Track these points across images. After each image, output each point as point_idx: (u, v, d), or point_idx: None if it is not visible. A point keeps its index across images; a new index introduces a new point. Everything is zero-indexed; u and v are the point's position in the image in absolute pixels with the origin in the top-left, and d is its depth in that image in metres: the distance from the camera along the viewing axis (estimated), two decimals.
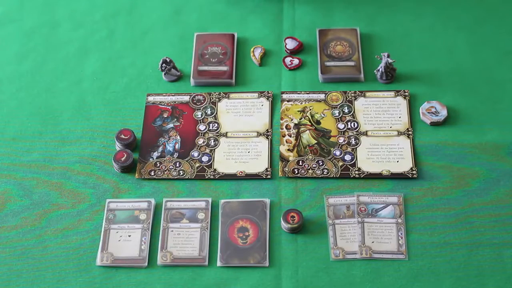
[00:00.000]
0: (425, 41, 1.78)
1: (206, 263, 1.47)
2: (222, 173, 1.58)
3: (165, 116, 1.68)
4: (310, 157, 1.59)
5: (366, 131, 1.63)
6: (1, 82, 1.76)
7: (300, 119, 1.66)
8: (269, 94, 1.70)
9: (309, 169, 1.58)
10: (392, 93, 1.68)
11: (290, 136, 1.63)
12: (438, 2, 1.85)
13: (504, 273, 1.43)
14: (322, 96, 1.69)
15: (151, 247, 1.49)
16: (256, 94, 1.70)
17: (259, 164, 1.59)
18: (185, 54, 1.78)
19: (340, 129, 1.64)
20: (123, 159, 1.58)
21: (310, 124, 1.65)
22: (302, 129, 1.64)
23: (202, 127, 1.66)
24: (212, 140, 1.63)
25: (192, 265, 1.47)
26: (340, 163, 1.58)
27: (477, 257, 1.45)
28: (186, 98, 1.71)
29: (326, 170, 1.57)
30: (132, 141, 1.62)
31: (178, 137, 1.64)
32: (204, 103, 1.69)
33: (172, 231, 1.51)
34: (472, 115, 1.65)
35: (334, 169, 1.57)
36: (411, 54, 1.75)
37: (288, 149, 1.61)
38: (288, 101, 1.69)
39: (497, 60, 1.73)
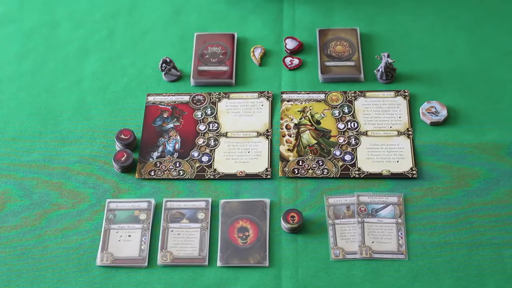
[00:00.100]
0: (425, 41, 1.78)
1: (206, 263, 1.47)
2: (222, 173, 1.58)
3: (165, 116, 1.68)
4: (310, 157, 1.59)
5: (366, 131, 1.63)
6: (1, 82, 1.76)
7: (300, 119, 1.66)
8: (269, 94, 1.70)
9: (309, 169, 1.58)
10: (392, 93, 1.68)
11: (290, 136, 1.63)
12: (438, 2, 1.85)
13: (504, 273, 1.43)
14: (322, 96, 1.69)
15: (151, 247, 1.49)
16: (256, 94, 1.70)
17: (259, 164, 1.59)
18: (185, 54, 1.78)
19: (340, 129, 1.64)
20: (123, 159, 1.58)
21: (310, 124, 1.65)
22: (302, 129, 1.64)
23: (202, 127, 1.66)
24: (212, 140, 1.63)
25: (192, 265, 1.47)
26: (340, 163, 1.58)
27: (477, 257, 1.45)
28: (186, 98, 1.71)
29: (326, 170, 1.57)
30: (132, 141, 1.62)
31: (178, 137, 1.64)
32: (204, 103, 1.69)
33: (172, 231, 1.51)
34: (472, 115, 1.65)
35: (334, 169, 1.57)
36: (411, 54, 1.75)
37: (288, 149, 1.61)
38: (288, 101, 1.69)
39: (497, 60, 1.73)
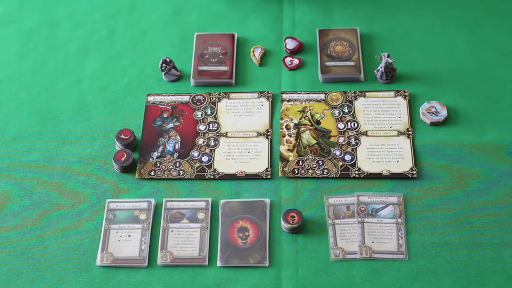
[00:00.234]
0: (425, 41, 1.78)
1: (206, 263, 1.47)
2: (222, 173, 1.58)
3: (165, 116, 1.68)
4: (310, 157, 1.59)
5: (366, 131, 1.63)
6: (1, 82, 1.76)
7: (300, 119, 1.66)
8: (269, 94, 1.70)
9: (309, 169, 1.58)
10: (392, 93, 1.68)
11: (290, 136, 1.63)
12: (438, 2, 1.85)
13: (504, 273, 1.43)
14: (322, 96, 1.69)
15: (151, 247, 1.49)
16: (256, 94, 1.70)
17: (259, 164, 1.59)
18: (185, 54, 1.78)
19: (340, 129, 1.64)
20: (123, 159, 1.58)
21: (310, 124, 1.65)
22: (302, 129, 1.64)
23: (202, 127, 1.66)
24: (212, 140, 1.63)
25: (192, 265, 1.47)
26: (340, 163, 1.58)
27: (477, 257, 1.45)
28: (186, 98, 1.71)
29: (326, 170, 1.57)
30: (132, 141, 1.62)
31: (178, 137, 1.64)
32: (204, 103, 1.69)
33: (172, 231, 1.51)
34: (472, 115, 1.65)
35: (334, 169, 1.57)
36: (411, 54, 1.75)
37: (288, 149, 1.61)
38: (288, 101, 1.69)
39: (497, 60, 1.73)
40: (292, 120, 1.66)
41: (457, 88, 1.69)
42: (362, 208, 1.51)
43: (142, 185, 1.58)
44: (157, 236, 1.50)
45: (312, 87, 1.71)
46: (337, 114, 1.66)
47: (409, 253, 1.46)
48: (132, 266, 1.47)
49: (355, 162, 1.58)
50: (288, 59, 1.76)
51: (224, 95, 1.70)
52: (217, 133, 1.65)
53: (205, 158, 1.60)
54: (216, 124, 1.66)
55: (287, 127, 1.65)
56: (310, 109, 1.67)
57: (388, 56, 1.66)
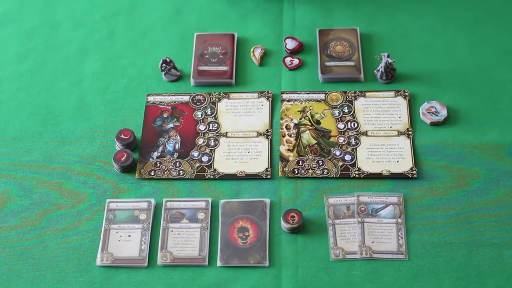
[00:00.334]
0: (425, 41, 1.78)
1: (206, 263, 1.47)
2: (222, 173, 1.58)
3: (165, 116, 1.68)
4: (310, 157, 1.59)
5: (366, 131, 1.63)
6: (1, 82, 1.76)
7: (300, 119, 1.66)
8: (269, 94, 1.70)
9: (309, 169, 1.58)
10: (392, 93, 1.68)
11: (290, 136, 1.63)
12: (438, 2, 1.85)
13: (504, 273, 1.43)
14: (322, 96, 1.69)
15: (151, 247, 1.49)
16: (256, 94, 1.70)
17: (259, 164, 1.59)
18: (185, 54, 1.78)
19: (340, 129, 1.64)
20: (123, 159, 1.58)
21: (310, 124, 1.65)
22: (302, 129, 1.64)
23: (202, 127, 1.66)
24: (212, 140, 1.63)
25: (192, 265, 1.47)
26: (340, 163, 1.58)
27: (477, 257, 1.45)
28: (186, 98, 1.71)
29: (326, 170, 1.57)
30: (132, 141, 1.62)
31: (178, 137, 1.64)
32: (204, 103, 1.69)
33: (172, 231, 1.51)
34: (472, 115, 1.65)
35: (334, 169, 1.57)
36: (411, 54, 1.75)
37: (288, 149, 1.61)
38: (288, 101, 1.69)
39: (497, 60, 1.73)
40: (292, 120, 1.66)
41: (457, 88, 1.69)
42: (362, 208, 1.51)
43: (142, 185, 1.58)
44: (157, 236, 1.50)
45: (312, 87, 1.71)
46: (337, 114, 1.66)
47: (409, 253, 1.46)
48: (132, 266, 1.47)
49: (355, 162, 1.58)
50: (288, 59, 1.76)
51: (224, 95, 1.70)
52: (217, 133, 1.65)
53: (205, 158, 1.60)
54: (216, 124, 1.66)
55: (287, 127, 1.65)
56: (310, 109, 1.67)
57: (388, 56, 1.66)
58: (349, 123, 1.64)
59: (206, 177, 1.58)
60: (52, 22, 1.86)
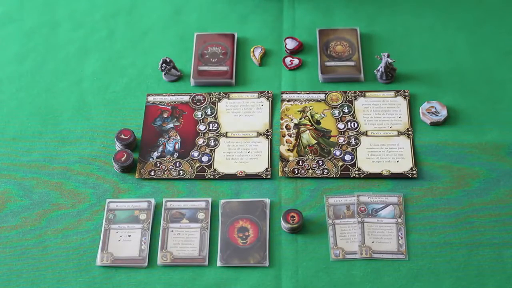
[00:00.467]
0: (425, 41, 1.78)
1: (206, 263, 1.47)
2: (222, 173, 1.58)
3: (165, 116, 1.68)
4: (310, 157, 1.59)
5: (366, 131, 1.63)
6: (1, 82, 1.76)
7: (300, 119, 1.66)
8: (269, 94, 1.70)
9: (309, 169, 1.58)
10: (392, 93, 1.68)
11: (290, 136, 1.63)
12: (438, 2, 1.85)
13: (504, 273, 1.43)
14: (322, 96, 1.69)
15: (151, 247, 1.49)
16: (256, 94, 1.70)
17: (259, 164, 1.59)
18: (185, 54, 1.78)
19: (340, 129, 1.64)
20: (123, 159, 1.58)
21: (310, 124, 1.65)
22: (302, 129, 1.64)
23: (202, 127, 1.66)
24: (212, 140, 1.63)
25: (192, 265, 1.47)
26: (340, 163, 1.58)
27: (477, 257, 1.45)
28: (186, 98, 1.71)
29: (326, 170, 1.57)
30: (132, 141, 1.62)
31: (178, 137, 1.64)
32: (204, 103, 1.69)
33: (172, 231, 1.51)
34: (472, 115, 1.65)
35: (334, 169, 1.57)
36: (411, 54, 1.75)
37: (288, 149, 1.61)
38: (288, 101, 1.69)
39: (497, 60, 1.73)
40: (292, 120, 1.66)
41: (457, 88, 1.69)
42: (362, 208, 1.51)
43: (142, 185, 1.58)
44: (157, 236, 1.50)
45: (312, 87, 1.71)
46: (337, 114, 1.66)
47: (409, 253, 1.46)
48: (132, 266, 1.47)
49: (355, 162, 1.58)
50: (288, 59, 1.76)
51: (224, 95, 1.70)
52: (217, 133, 1.65)
53: (205, 158, 1.60)
54: (216, 124, 1.66)
55: (287, 127, 1.65)
56: (310, 109, 1.67)
57: (388, 56, 1.66)
58: (349, 123, 1.64)
59: (206, 177, 1.58)
60: (52, 22, 1.86)
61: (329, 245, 1.48)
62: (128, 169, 1.59)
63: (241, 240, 1.49)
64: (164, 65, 1.71)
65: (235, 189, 1.56)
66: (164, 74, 1.73)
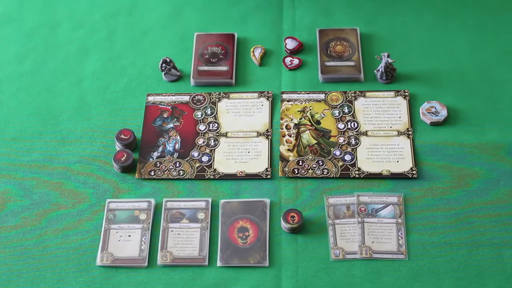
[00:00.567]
0: (425, 41, 1.78)
1: (206, 263, 1.47)
2: (222, 173, 1.58)
3: (165, 116, 1.68)
4: (310, 157, 1.59)
5: (366, 131, 1.63)
6: (1, 82, 1.76)
7: (300, 119, 1.66)
8: (269, 94, 1.70)
9: (309, 169, 1.58)
10: (392, 93, 1.68)
11: (290, 136, 1.63)
12: (438, 2, 1.85)
13: (504, 273, 1.43)
14: (322, 96, 1.69)
15: (151, 247, 1.49)
16: (256, 94, 1.70)
17: (259, 164, 1.59)
18: (185, 54, 1.78)
19: (340, 129, 1.64)
20: (123, 159, 1.58)
21: (310, 124, 1.65)
22: (302, 129, 1.64)
23: (202, 127, 1.66)
24: (212, 140, 1.63)
25: (192, 265, 1.47)
26: (340, 163, 1.58)
27: (477, 257, 1.45)
28: (186, 98, 1.71)
29: (326, 170, 1.57)
30: (132, 141, 1.62)
31: (178, 137, 1.64)
32: (204, 103, 1.69)
33: (172, 231, 1.51)
34: (472, 115, 1.65)
35: (334, 169, 1.57)
36: (411, 54, 1.75)
37: (288, 149, 1.61)
38: (288, 101, 1.69)
39: (497, 60, 1.73)
40: (292, 120, 1.66)
41: (457, 88, 1.69)
42: (362, 208, 1.51)
43: (142, 185, 1.58)
44: (157, 236, 1.50)
45: (312, 87, 1.71)
46: (337, 114, 1.66)
47: (409, 253, 1.46)
48: (132, 266, 1.47)
49: (355, 162, 1.58)
50: (288, 59, 1.76)
51: (224, 95, 1.70)
52: (217, 133, 1.65)
53: (205, 158, 1.60)
54: (216, 124, 1.66)
55: (287, 127, 1.65)
56: (310, 109, 1.67)
57: (388, 56, 1.66)
58: (349, 123, 1.64)
59: (206, 177, 1.58)
60: (52, 22, 1.86)
61: (329, 245, 1.48)
62: (128, 169, 1.59)
63: (241, 240, 1.49)
64: (164, 65, 1.71)
65: (235, 189, 1.56)
66: (164, 74, 1.73)
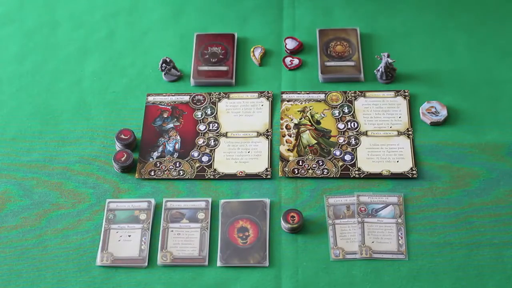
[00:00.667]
0: (425, 41, 1.78)
1: (206, 263, 1.47)
2: (222, 173, 1.58)
3: (165, 116, 1.68)
4: (310, 157, 1.59)
5: (366, 131, 1.63)
6: (1, 82, 1.76)
7: (300, 119, 1.66)
8: (269, 94, 1.70)
9: (309, 169, 1.58)
10: (392, 93, 1.68)
11: (290, 136, 1.63)
12: (438, 2, 1.85)
13: (504, 273, 1.43)
14: (322, 96, 1.69)
15: (151, 247, 1.49)
16: (256, 94, 1.70)
17: (259, 164, 1.59)
18: (185, 54, 1.78)
19: (340, 129, 1.64)
20: (123, 159, 1.58)
21: (310, 124, 1.65)
22: (302, 129, 1.64)
23: (202, 127, 1.66)
24: (212, 140, 1.63)
25: (192, 265, 1.47)
26: (340, 163, 1.58)
27: (477, 257, 1.45)
28: (186, 98, 1.71)
29: (326, 170, 1.57)
30: (132, 141, 1.62)
31: (178, 137, 1.64)
32: (204, 103, 1.69)
33: (172, 231, 1.51)
34: (472, 115, 1.65)
35: (334, 169, 1.57)
36: (411, 54, 1.75)
37: (288, 149, 1.61)
38: (288, 101, 1.69)
39: (497, 60, 1.73)
40: (292, 120, 1.66)
41: (457, 88, 1.69)
42: (362, 208, 1.51)
43: (142, 185, 1.58)
44: (157, 236, 1.50)
45: (312, 87, 1.71)
46: (337, 114, 1.66)
47: (409, 253, 1.46)
48: (132, 266, 1.47)
49: (355, 162, 1.58)
50: (288, 59, 1.76)
51: (224, 95, 1.70)
52: (217, 133, 1.65)
53: (205, 158, 1.60)
54: (216, 124, 1.66)
55: (287, 127, 1.65)
56: (310, 109, 1.67)
57: (388, 56, 1.66)
58: (349, 123, 1.64)
59: (206, 177, 1.58)
60: (52, 22, 1.86)
61: (329, 245, 1.48)
62: (128, 169, 1.59)
63: (241, 240, 1.49)
64: (164, 65, 1.71)
65: (235, 189, 1.56)
66: (164, 74, 1.73)
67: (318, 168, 1.58)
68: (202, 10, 1.87)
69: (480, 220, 1.50)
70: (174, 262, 1.47)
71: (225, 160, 1.60)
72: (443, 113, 1.63)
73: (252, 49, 1.78)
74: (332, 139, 1.62)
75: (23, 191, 1.57)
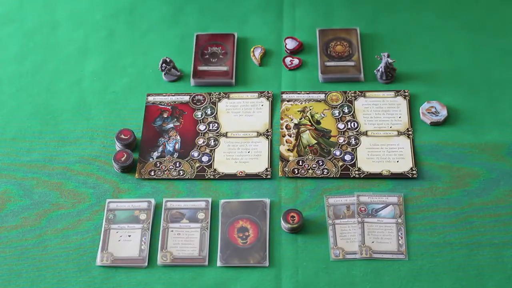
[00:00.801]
0: (425, 41, 1.78)
1: (206, 263, 1.47)
2: (222, 173, 1.58)
3: (165, 116, 1.68)
4: (310, 157, 1.59)
5: (366, 131, 1.63)
6: (1, 82, 1.76)
7: (300, 119, 1.66)
8: (269, 94, 1.70)
9: (309, 169, 1.58)
10: (392, 93, 1.68)
11: (290, 136, 1.63)
12: (438, 2, 1.85)
13: (504, 273, 1.43)
14: (322, 96, 1.69)
15: (151, 247, 1.49)
16: (256, 94, 1.70)
17: (259, 164, 1.59)
18: (185, 54, 1.78)
19: (340, 129, 1.64)
20: (123, 159, 1.58)
21: (310, 124, 1.65)
22: (302, 129, 1.64)
23: (202, 127, 1.66)
24: (212, 140, 1.63)
25: (192, 265, 1.47)
26: (340, 163, 1.58)
27: (477, 257, 1.45)
28: (186, 98, 1.71)
29: (326, 170, 1.57)
30: (132, 141, 1.62)
31: (178, 137, 1.64)
32: (204, 103, 1.69)
33: (172, 231, 1.51)
34: (472, 115, 1.65)
35: (334, 169, 1.57)
36: (411, 54, 1.75)
37: (288, 149, 1.61)
38: (288, 101, 1.69)
39: (497, 60, 1.73)
40: (292, 120, 1.66)
41: (457, 88, 1.69)
42: (362, 208, 1.51)
43: (142, 185, 1.58)
44: (157, 236, 1.50)
45: (312, 87, 1.71)
46: (337, 114, 1.66)
47: (409, 253, 1.46)
48: (132, 266, 1.47)
49: (355, 162, 1.58)
50: (288, 59, 1.76)
51: (224, 95, 1.70)
52: (217, 133, 1.65)
53: (205, 158, 1.60)
54: (216, 124, 1.66)
55: (287, 127, 1.65)
56: (310, 109, 1.67)
57: (388, 56, 1.66)
58: (349, 123, 1.64)
59: (206, 177, 1.58)
60: (52, 22, 1.86)
61: (329, 245, 1.48)
62: (128, 169, 1.59)
63: (241, 240, 1.49)
64: (164, 65, 1.71)
65: (235, 189, 1.56)
66: (164, 74, 1.73)
67: (318, 168, 1.58)
68: (202, 10, 1.87)
69: (480, 220, 1.50)
70: (174, 262, 1.47)
71: (225, 160, 1.60)
72: (443, 113, 1.63)
73: (252, 49, 1.78)
74: (332, 139, 1.62)
75: (23, 191, 1.57)
